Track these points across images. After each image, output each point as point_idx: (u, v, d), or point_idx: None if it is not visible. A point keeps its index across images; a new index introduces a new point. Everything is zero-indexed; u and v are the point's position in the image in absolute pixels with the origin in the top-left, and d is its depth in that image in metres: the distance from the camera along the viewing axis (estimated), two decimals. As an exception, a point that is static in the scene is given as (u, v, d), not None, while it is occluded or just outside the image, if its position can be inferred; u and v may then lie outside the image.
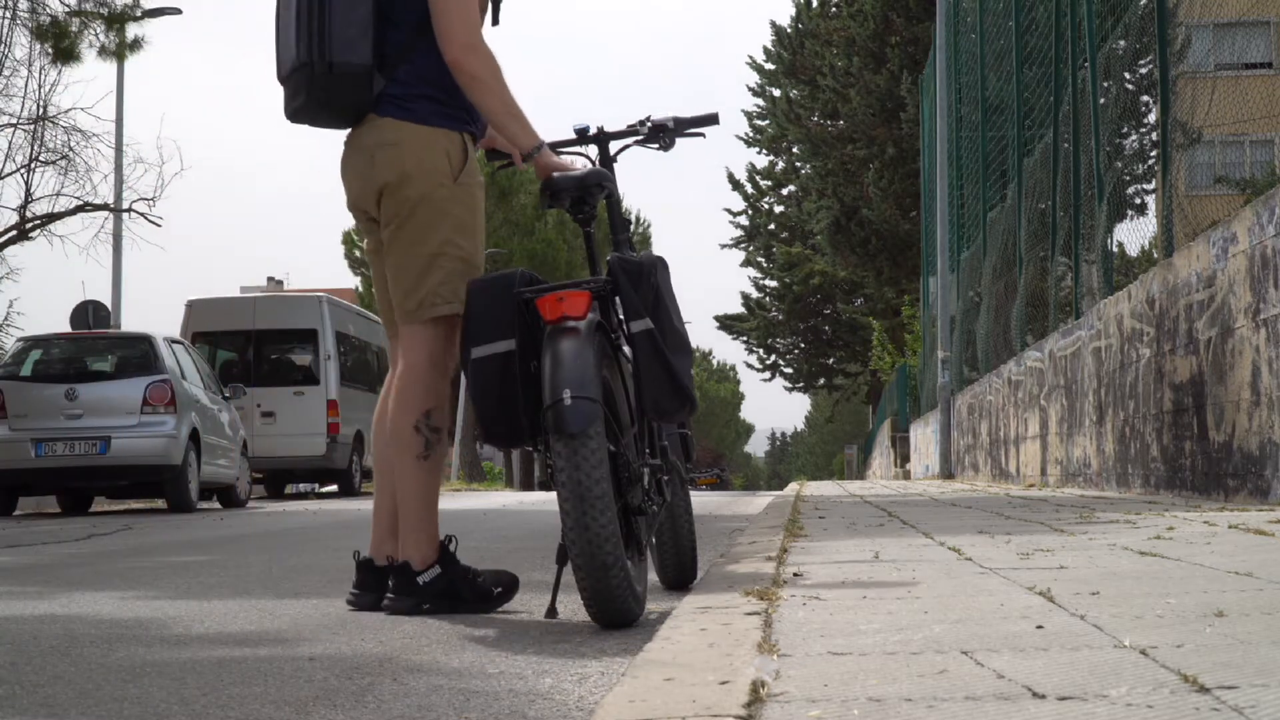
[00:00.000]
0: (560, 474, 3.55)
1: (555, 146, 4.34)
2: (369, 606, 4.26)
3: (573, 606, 4.37)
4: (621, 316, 3.95)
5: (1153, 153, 10.55)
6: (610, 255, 4.09)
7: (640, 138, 4.53)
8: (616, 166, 4.49)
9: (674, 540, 4.59)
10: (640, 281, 3.91)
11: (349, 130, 4.34)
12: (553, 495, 22.32)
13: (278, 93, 4.40)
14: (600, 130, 4.49)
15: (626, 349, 3.99)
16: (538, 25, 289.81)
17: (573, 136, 4.49)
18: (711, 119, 4.64)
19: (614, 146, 4.51)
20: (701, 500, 16.81)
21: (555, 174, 4.08)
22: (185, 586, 5.42)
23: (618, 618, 3.65)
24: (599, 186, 4.10)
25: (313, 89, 4.18)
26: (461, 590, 4.19)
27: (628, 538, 3.84)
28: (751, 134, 48.88)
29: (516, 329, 3.84)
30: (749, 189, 50.40)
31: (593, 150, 4.47)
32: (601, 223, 4.36)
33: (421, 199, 4.17)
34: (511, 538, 8.31)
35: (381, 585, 4.25)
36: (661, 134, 4.52)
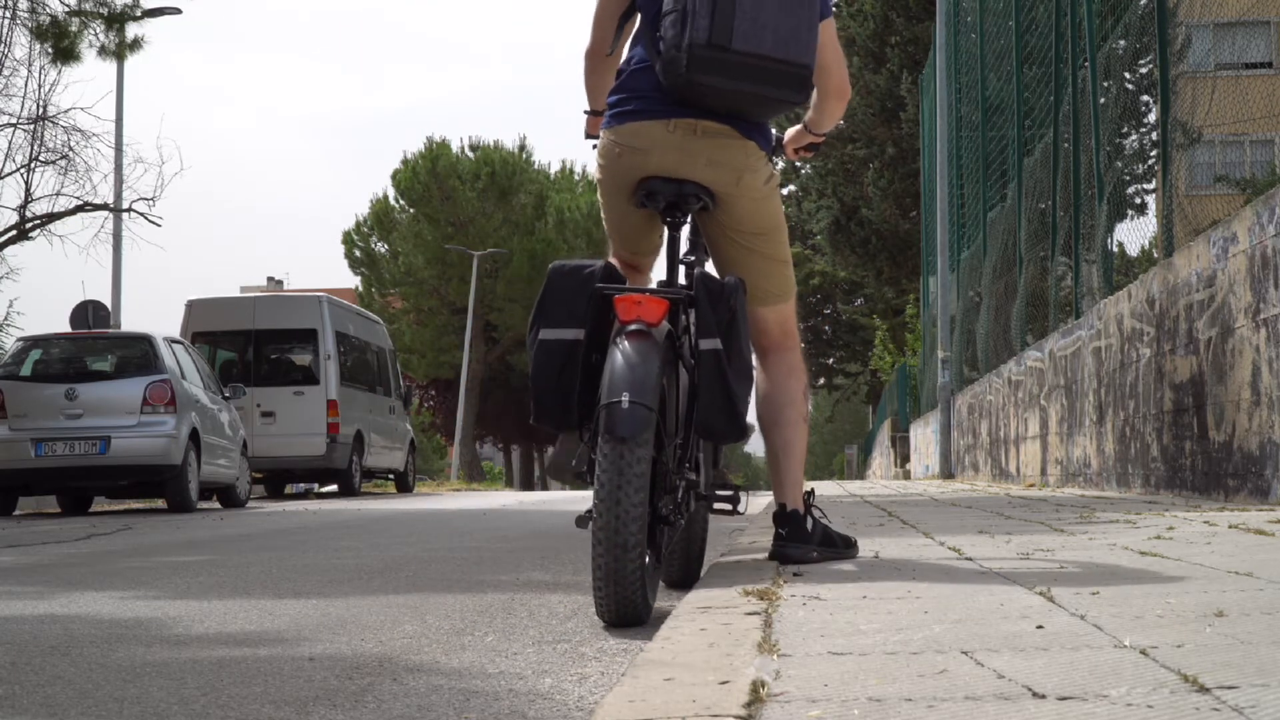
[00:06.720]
0: (602, 474, 3.56)
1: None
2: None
3: (572, 606, 4.37)
4: (693, 330, 4.00)
5: (1153, 153, 10.55)
6: (696, 270, 4.14)
7: None
8: None
9: (686, 540, 4.59)
10: (719, 301, 3.96)
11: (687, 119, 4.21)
12: (551, 495, 22.35)
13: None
14: None
15: (689, 358, 4.02)
16: (536, 27, 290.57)
17: None
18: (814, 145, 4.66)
19: None
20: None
21: (653, 177, 4.16)
22: (185, 586, 5.42)
23: (625, 621, 3.68)
24: (696, 197, 4.18)
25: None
26: (834, 537, 4.49)
27: (649, 545, 3.84)
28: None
29: (588, 319, 3.90)
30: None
31: None
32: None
33: (775, 222, 4.39)
34: (511, 537, 8.31)
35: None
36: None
